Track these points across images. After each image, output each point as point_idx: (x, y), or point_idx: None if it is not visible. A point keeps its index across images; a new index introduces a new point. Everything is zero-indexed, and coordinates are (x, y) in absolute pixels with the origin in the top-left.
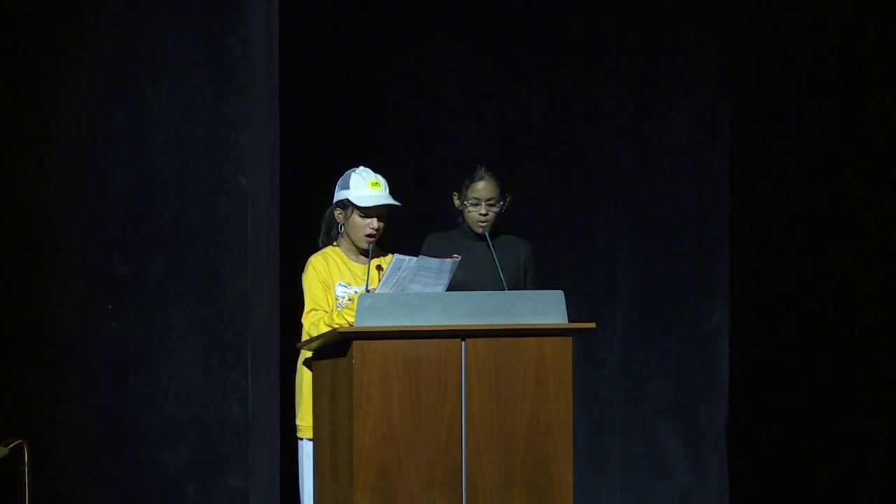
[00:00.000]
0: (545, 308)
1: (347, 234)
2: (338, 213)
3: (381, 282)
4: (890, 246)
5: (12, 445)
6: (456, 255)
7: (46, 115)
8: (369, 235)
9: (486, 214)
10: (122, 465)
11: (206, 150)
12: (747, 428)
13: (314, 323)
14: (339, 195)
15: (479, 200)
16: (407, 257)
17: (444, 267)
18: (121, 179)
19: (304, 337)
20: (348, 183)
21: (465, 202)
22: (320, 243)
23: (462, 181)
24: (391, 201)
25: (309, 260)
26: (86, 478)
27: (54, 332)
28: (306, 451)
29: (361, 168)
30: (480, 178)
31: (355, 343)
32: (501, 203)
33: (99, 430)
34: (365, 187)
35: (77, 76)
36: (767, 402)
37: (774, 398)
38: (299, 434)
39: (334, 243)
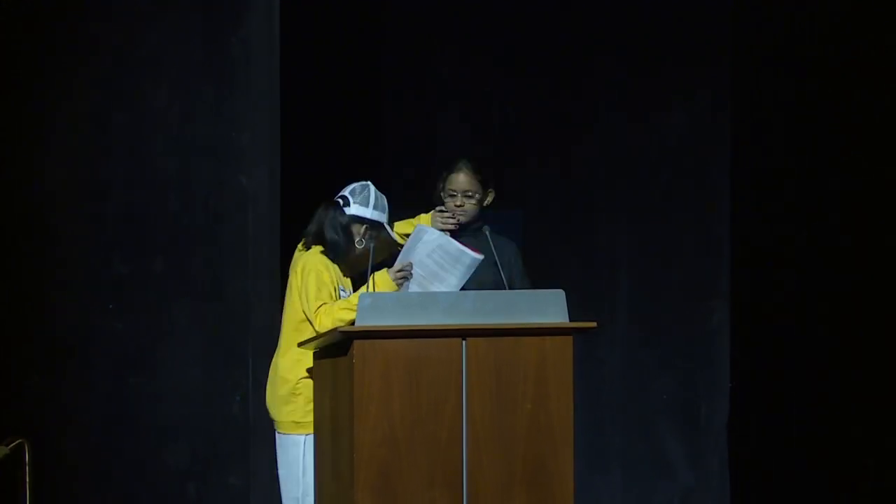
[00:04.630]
0: (546, 307)
1: (353, 251)
2: (364, 230)
3: (402, 252)
4: (890, 245)
5: (13, 445)
6: (479, 253)
7: (47, 115)
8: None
9: (461, 206)
10: (123, 465)
11: (207, 150)
12: (747, 428)
13: (327, 313)
14: (374, 215)
15: (456, 192)
16: (429, 228)
17: (462, 258)
18: (121, 179)
19: (319, 328)
20: (382, 206)
21: (443, 193)
22: (311, 240)
23: (441, 173)
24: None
25: (306, 260)
26: (86, 477)
27: (54, 332)
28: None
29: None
30: (458, 170)
31: (356, 342)
32: (479, 196)
33: (99, 429)
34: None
35: (77, 76)
36: (768, 403)
37: (775, 398)
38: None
39: (321, 249)
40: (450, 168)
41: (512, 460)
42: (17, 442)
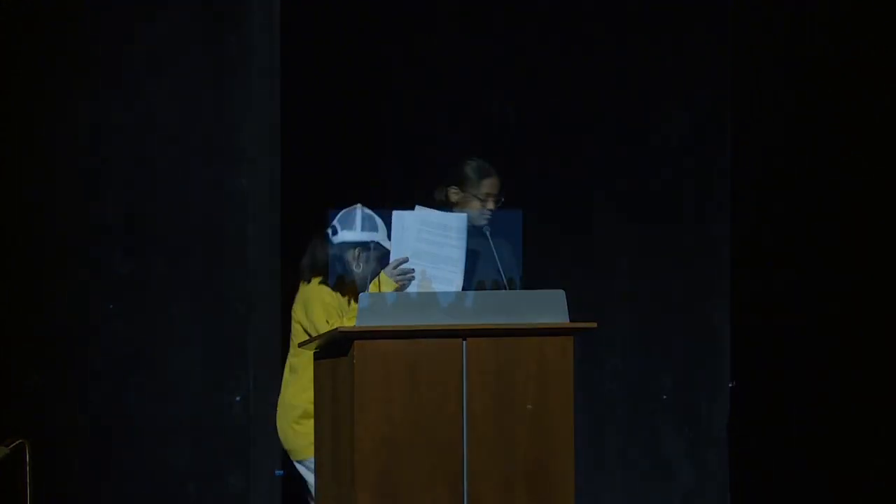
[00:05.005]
0: (546, 307)
1: (351, 276)
2: (357, 253)
3: (392, 249)
4: (890, 245)
5: (12, 445)
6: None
7: (47, 115)
8: None
9: (492, 209)
10: (123, 465)
11: (207, 150)
12: (747, 428)
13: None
14: (363, 236)
15: (490, 196)
16: (404, 212)
17: (448, 220)
18: (121, 179)
19: None
20: (371, 226)
21: (477, 195)
22: (308, 274)
23: (465, 176)
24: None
25: (307, 295)
26: (86, 478)
27: (54, 332)
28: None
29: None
30: (489, 175)
31: (356, 343)
32: (501, 197)
33: (99, 429)
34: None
35: (77, 76)
36: (768, 403)
37: (775, 398)
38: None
39: (319, 280)
40: (479, 172)
41: (512, 460)
42: (17, 442)
